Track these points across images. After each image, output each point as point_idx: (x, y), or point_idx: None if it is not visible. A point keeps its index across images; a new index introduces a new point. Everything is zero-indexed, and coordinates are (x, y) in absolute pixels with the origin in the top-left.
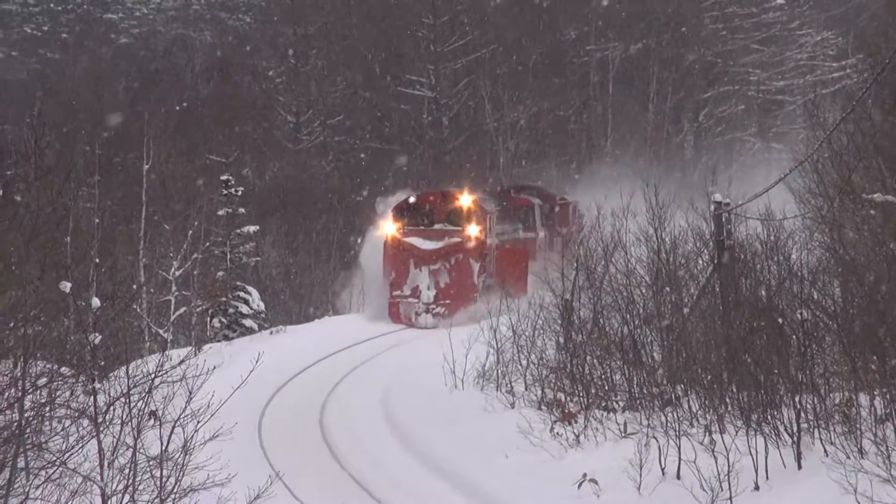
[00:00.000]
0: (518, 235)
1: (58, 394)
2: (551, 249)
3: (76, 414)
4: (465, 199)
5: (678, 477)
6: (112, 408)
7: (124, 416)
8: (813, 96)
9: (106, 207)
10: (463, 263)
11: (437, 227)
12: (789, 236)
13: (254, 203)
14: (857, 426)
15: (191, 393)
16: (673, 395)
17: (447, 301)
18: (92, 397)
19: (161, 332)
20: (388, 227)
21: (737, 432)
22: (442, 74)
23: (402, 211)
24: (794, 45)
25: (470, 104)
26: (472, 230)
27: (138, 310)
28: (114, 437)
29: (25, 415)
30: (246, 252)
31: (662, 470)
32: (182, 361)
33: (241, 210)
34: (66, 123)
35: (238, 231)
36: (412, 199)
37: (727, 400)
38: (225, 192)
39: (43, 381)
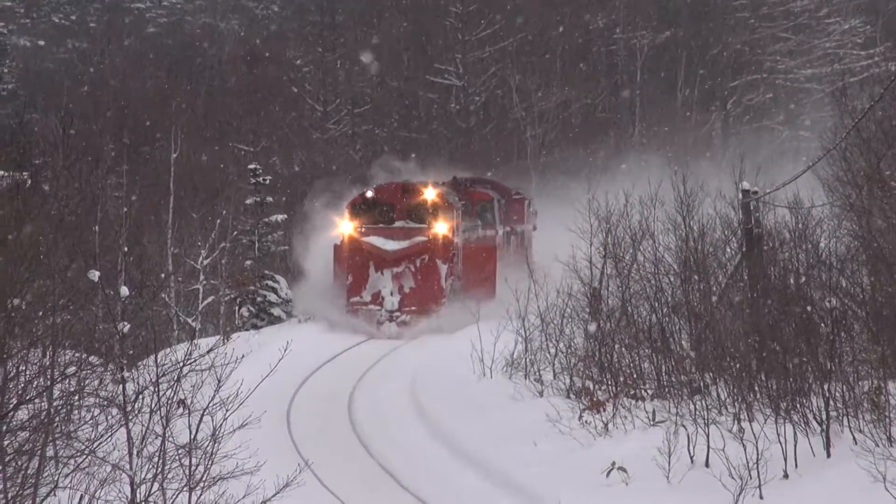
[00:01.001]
0: (478, 233)
1: (86, 382)
2: (508, 248)
3: (105, 403)
4: (430, 193)
5: (707, 465)
6: (141, 396)
7: (153, 405)
8: (841, 84)
9: (134, 196)
10: (429, 266)
11: (398, 224)
12: (817, 224)
13: (282, 191)
14: (886, 414)
15: (219, 381)
16: (701, 384)
17: (412, 308)
18: (121, 386)
19: (189, 320)
20: (344, 226)
21: (765, 420)
22: (469, 63)
23: (358, 207)
24: (822, 33)
25: (497, 93)
26: (440, 228)
27: (166, 299)
28: (142, 425)
29: (54, 404)
30: (274, 241)
31: (691, 458)
32: (210, 350)
33: (269, 199)
34: (94, 113)
35: (266, 220)
36: (369, 194)
37: (756, 388)
38: (253, 180)
39: (72, 369)
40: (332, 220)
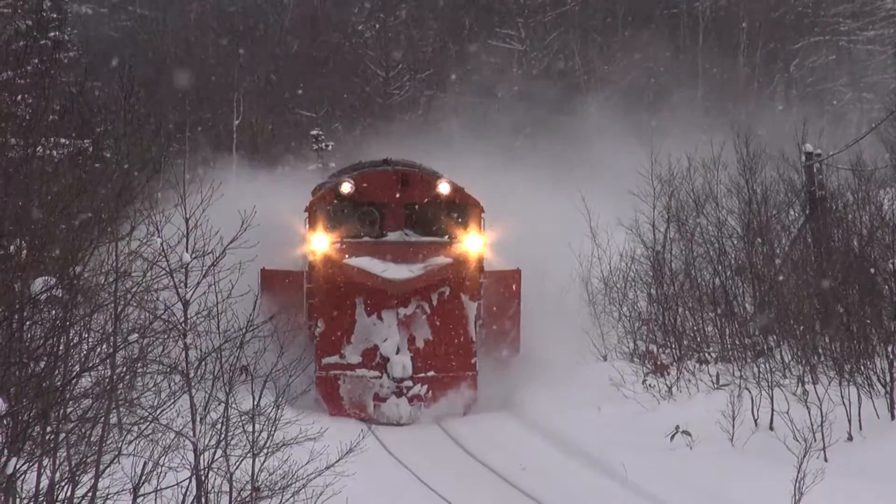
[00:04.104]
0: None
1: (149, 349)
2: None
3: (168, 370)
4: (444, 186)
5: (771, 428)
6: (204, 363)
7: (216, 372)
8: None
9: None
10: (453, 304)
11: (396, 236)
12: (881, 186)
13: (344, 158)
14: None
15: (282, 348)
16: (765, 346)
17: (431, 373)
18: (184, 353)
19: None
20: (316, 241)
21: (829, 383)
22: (531, 27)
23: (331, 209)
24: None
25: (560, 57)
26: (473, 244)
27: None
28: (205, 392)
29: (117, 371)
30: None
31: (755, 421)
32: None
33: (332, 164)
34: (156, 80)
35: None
36: (347, 187)
37: (820, 350)
38: (315, 146)
39: (134, 336)
40: (295, 226)
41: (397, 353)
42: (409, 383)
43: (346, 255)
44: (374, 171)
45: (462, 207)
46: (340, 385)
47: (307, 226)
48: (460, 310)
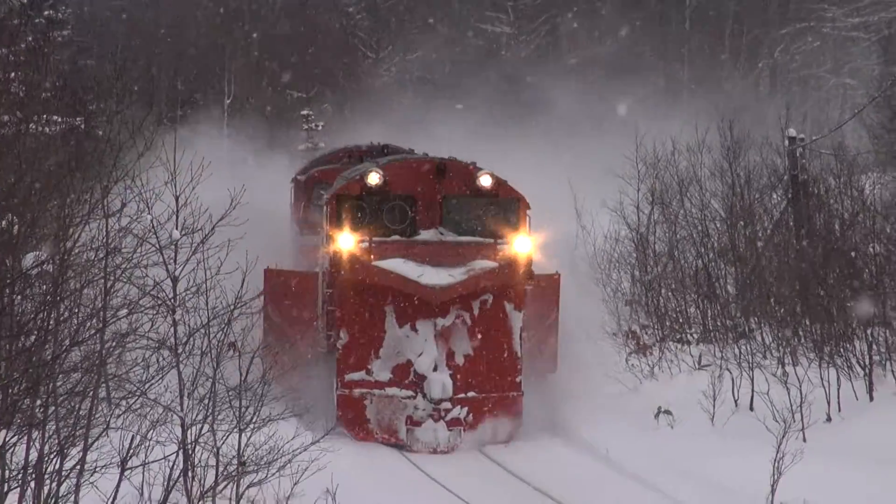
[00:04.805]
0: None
1: (139, 325)
2: None
3: (157, 345)
4: (486, 179)
5: (751, 408)
6: (192, 339)
7: (204, 347)
8: (888, 32)
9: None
10: (496, 314)
11: (429, 234)
12: (863, 171)
13: (333, 137)
14: None
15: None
16: (746, 328)
17: (472, 394)
18: (172, 328)
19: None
20: (342, 240)
21: (809, 364)
22: (520, 10)
23: (353, 203)
24: None
25: (548, 40)
26: (522, 245)
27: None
28: (193, 367)
29: (107, 345)
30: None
31: (735, 401)
32: (260, 294)
33: (322, 144)
34: (148, 60)
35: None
36: (375, 178)
37: (800, 333)
38: (305, 126)
39: (124, 311)
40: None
41: (434, 370)
42: (448, 405)
43: (376, 257)
44: (406, 159)
45: (506, 203)
46: (367, 405)
47: (328, 221)
48: (505, 321)
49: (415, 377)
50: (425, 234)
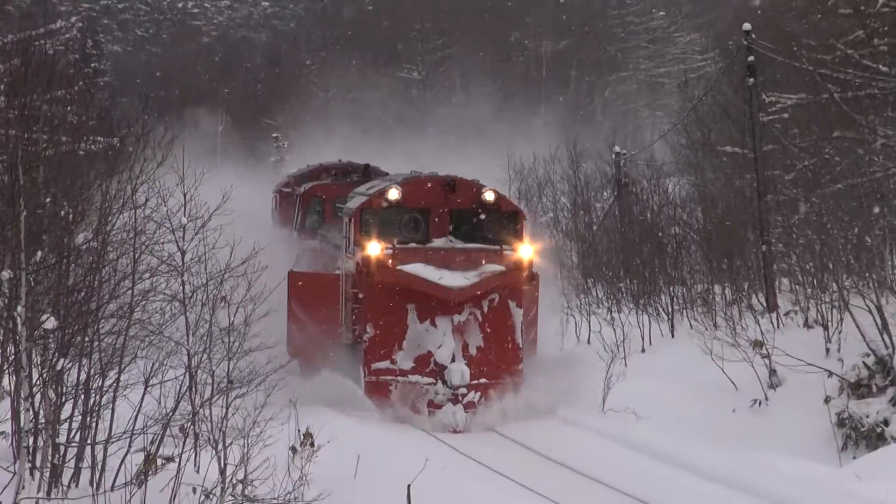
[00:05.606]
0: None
1: (157, 284)
2: None
3: (170, 298)
4: (489, 194)
5: (588, 342)
6: (195, 294)
7: (203, 300)
8: (684, 79)
9: (190, 150)
10: (501, 311)
11: (441, 242)
12: (667, 176)
13: (296, 154)
14: (713, 308)
15: (250, 284)
16: (586, 285)
17: (483, 380)
18: (181, 287)
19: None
20: (371, 247)
21: (629, 312)
22: (428, 63)
23: (375, 216)
24: (671, 43)
25: (446, 85)
26: (527, 252)
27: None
28: (196, 314)
29: (135, 299)
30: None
31: (577, 337)
32: (244, 262)
33: (287, 158)
34: (164, 97)
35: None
36: (395, 194)
37: (623, 289)
38: (275, 145)
39: (147, 275)
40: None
41: (453, 360)
42: (464, 390)
43: (399, 262)
44: (419, 178)
45: (508, 215)
46: (392, 391)
47: (350, 232)
48: (509, 317)
49: (435, 366)
50: (438, 242)
